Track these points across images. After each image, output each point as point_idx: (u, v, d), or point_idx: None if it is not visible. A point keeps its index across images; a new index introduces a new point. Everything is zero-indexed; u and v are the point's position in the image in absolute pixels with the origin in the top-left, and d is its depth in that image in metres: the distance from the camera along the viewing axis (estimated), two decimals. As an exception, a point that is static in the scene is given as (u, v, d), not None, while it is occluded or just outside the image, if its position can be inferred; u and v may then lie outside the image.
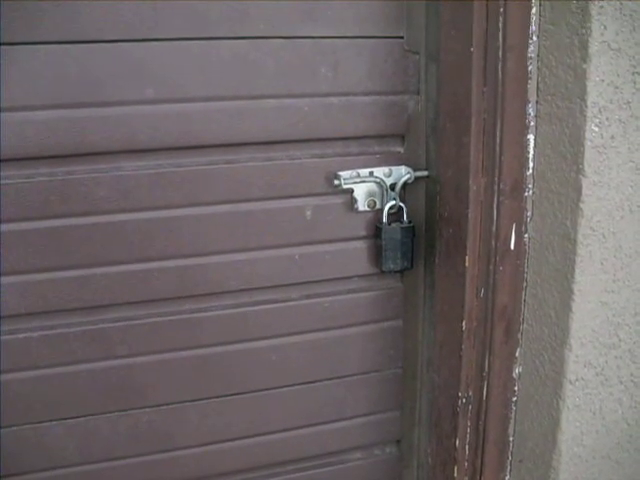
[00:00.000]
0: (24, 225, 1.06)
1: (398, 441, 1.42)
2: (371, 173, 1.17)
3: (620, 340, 1.08)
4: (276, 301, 1.23)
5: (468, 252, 1.11)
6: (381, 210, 1.19)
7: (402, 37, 1.14)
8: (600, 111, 0.95)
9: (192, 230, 1.14)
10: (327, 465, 1.38)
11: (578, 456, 1.12)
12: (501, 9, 0.98)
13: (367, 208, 1.20)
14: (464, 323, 1.15)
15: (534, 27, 0.99)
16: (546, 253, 1.06)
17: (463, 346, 1.16)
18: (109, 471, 1.24)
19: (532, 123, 1.03)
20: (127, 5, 1.00)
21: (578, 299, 1.03)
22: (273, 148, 1.14)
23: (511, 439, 1.21)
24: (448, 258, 1.16)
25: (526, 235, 1.09)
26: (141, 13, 1.01)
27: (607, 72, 0.93)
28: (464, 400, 1.19)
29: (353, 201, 1.19)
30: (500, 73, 1.01)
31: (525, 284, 1.12)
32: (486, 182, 1.08)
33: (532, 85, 1.02)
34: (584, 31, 0.91)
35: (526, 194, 1.07)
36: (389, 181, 1.18)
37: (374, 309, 1.28)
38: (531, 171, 1.06)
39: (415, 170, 1.18)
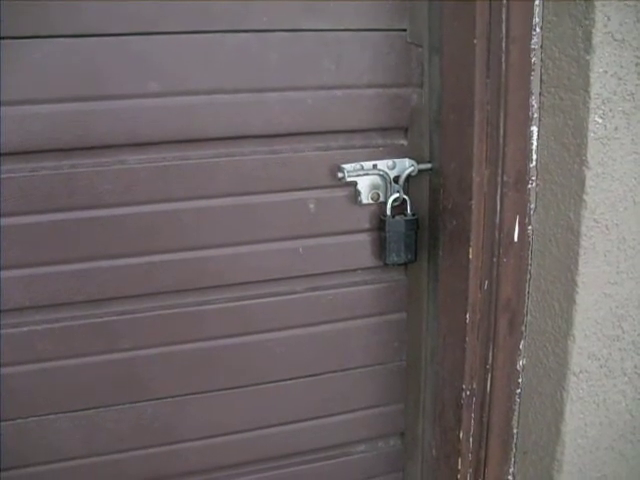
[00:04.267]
0: (28, 218, 1.07)
1: (402, 434, 1.42)
2: (375, 166, 1.18)
3: (624, 332, 1.08)
4: (280, 294, 1.23)
5: (472, 244, 1.11)
6: (385, 203, 1.19)
7: (405, 30, 1.13)
8: (603, 102, 0.94)
9: (196, 223, 1.14)
10: (331, 458, 1.38)
11: (582, 447, 1.12)
12: (504, 0, 0.98)
13: (371, 201, 1.20)
14: (468, 315, 1.15)
15: (537, 18, 0.99)
16: (549, 245, 1.06)
17: (467, 338, 1.16)
18: (113, 463, 1.24)
19: (535, 115, 1.03)
20: (131, -2, 1.00)
21: (582, 291, 1.03)
22: (276, 141, 1.14)
23: (515, 431, 1.21)
24: (452, 250, 1.16)
25: (530, 227, 1.09)
26: (145, 6, 1.01)
27: (611, 63, 0.93)
28: (468, 392, 1.20)
29: (357, 194, 1.19)
30: (503, 65, 1.01)
31: (529, 276, 1.12)
32: (489, 174, 1.08)
33: (535, 77, 1.01)
34: (587, 22, 0.91)
35: (529, 186, 1.07)
36: (393, 174, 1.18)
37: (378, 302, 1.28)
38: (534, 163, 1.06)
39: (419, 162, 1.18)
